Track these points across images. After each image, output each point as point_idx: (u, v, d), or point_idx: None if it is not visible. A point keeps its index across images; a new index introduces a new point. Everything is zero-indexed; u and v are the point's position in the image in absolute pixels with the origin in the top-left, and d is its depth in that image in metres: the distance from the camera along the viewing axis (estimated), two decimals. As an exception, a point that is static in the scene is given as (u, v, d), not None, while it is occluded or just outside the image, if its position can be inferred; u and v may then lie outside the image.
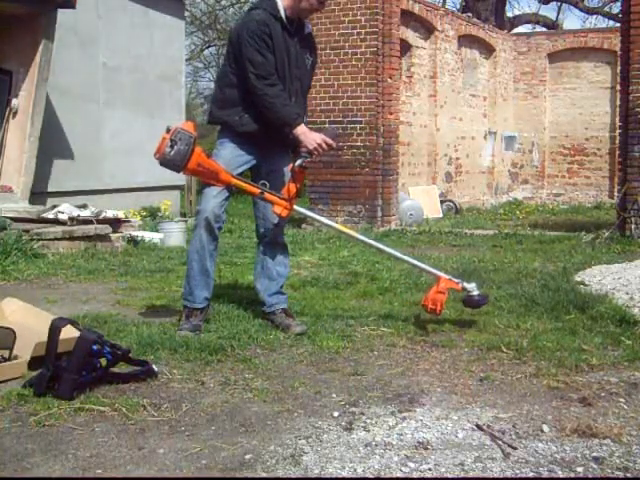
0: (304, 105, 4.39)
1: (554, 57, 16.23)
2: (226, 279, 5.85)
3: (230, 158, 4.15)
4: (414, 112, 13.00)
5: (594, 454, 2.46)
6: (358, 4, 10.41)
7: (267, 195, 4.02)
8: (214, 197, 4.11)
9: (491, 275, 5.95)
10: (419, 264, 4.48)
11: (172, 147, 3.78)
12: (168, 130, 3.82)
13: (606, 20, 25.98)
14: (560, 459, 2.43)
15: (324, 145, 3.97)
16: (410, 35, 12.67)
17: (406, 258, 4.51)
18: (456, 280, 4.25)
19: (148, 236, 8.25)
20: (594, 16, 26.90)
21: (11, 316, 3.81)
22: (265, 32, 4.04)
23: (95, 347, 3.11)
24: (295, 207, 4.10)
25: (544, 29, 23.62)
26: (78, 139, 9.93)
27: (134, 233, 8.19)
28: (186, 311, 4.18)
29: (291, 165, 4.07)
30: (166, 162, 3.84)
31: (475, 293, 4.24)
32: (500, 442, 2.54)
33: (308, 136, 4.02)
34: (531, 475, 2.32)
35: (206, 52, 34.44)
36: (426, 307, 4.16)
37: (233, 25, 4.18)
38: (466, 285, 4.24)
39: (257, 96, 4.04)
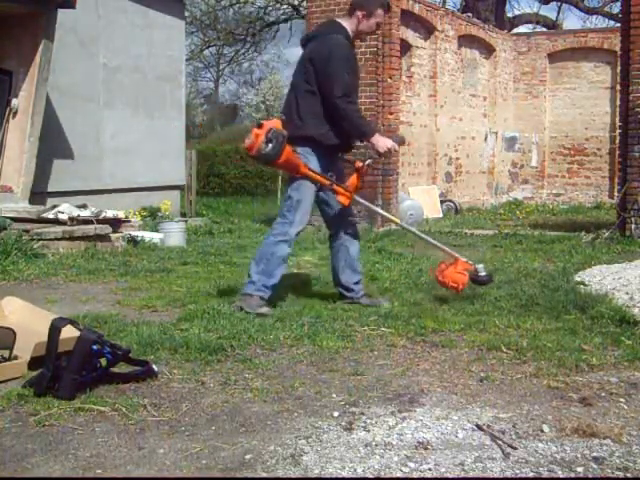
0: None
1: (554, 57, 16.22)
2: (226, 279, 5.86)
3: (316, 167, 4.66)
4: (414, 112, 13.00)
5: (594, 454, 2.46)
6: (358, 4, 10.39)
7: (335, 186, 4.64)
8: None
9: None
10: (439, 244, 5.17)
11: (267, 144, 4.31)
12: (259, 125, 4.37)
13: (606, 20, 25.98)
14: (560, 459, 2.43)
15: (392, 150, 4.67)
16: (410, 35, 12.67)
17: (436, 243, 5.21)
18: (470, 262, 4.87)
19: (148, 236, 8.25)
20: (594, 16, 26.89)
21: (11, 315, 3.81)
22: (350, 57, 4.69)
23: (95, 347, 3.11)
24: (355, 197, 4.72)
25: (544, 29, 23.62)
26: (78, 139, 9.93)
27: (134, 233, 8.20)
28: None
29: (360, 163, 4.76)
30: (261, 157, 4.40)
31: (483, 273, 4.84)
32: (500, 442, 2.55)
33: (380, 141, 4.65)
34: (531, 475, 2.32)
35: (206, 52, 34.46)
36: (445, 284, 4.81)
37: (313, 48, 4.67)
38: (477, 266, 4.87)
39: (341, 111, 4.55)
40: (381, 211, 5.73)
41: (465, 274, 4.77)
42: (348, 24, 4.75)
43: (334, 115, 4.58)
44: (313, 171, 4.61)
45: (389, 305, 4.76)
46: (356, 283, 4.88)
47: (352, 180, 4.70)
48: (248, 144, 4.38)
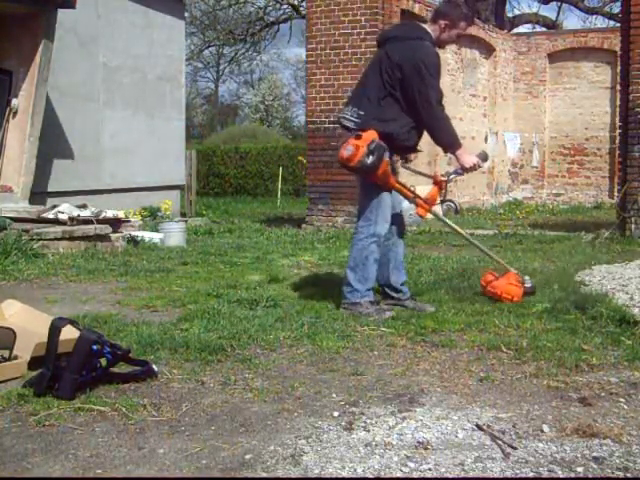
0: None
1: (554, 57, 16.23)
2: (226, 279, 5.86)
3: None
4: (414, 112, 13.00)
5: (594, 454, 2.46)
6: (358, 4, 10.40)
7: (418, 199, 4.71)
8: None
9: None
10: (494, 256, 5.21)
11: (369, 156, 4.37)
12: (357, 137, 4.40)
13: (606, 20, 26.01)
14: (560, 459, 2.43)
15: (477, 166, 4.63)
16: (410, 35, 12.67)
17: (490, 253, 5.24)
18: (519, 273, 4.96)
19: (148, 236, 8.25)
20: (594, 16, 26.93)
21: (11, 318, 3.80)
22: (439, 64, 4.61)
23: (95, 347, 3.11)
24: (433, 210, 4.80)
25: (544, 29, 23.63)
26: (78, 139, 9.93)
27: (134, 233, 8.20)
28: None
29: (441, 177, 4.76)
30: (363, 168, 4.44)
31: (529, 284, 4.90)
32: (500, 442, 2.54)
33: (466, 157, 4.64)
34: (531, 475, 2.32)
35: (206, 52, 34.49)
36: (495, 294, 4.82)
37: (401, 53, 4.61)
38: (525, 278, 4.94)
39: (436, 120, 4.57)
40: (451, 224, 5.19)
41: (520, 287, 4.83)
42: (432, 30, 4.68)
43: (426, 123, 4.58)
44: (401, 183, 4.68)
45: (433, 310, 4.65)
46: (403, 284, 4.88)
47: (432, 193, 4.75)
48: (347, 155, 4.40)
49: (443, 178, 4.77)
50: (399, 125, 4.56)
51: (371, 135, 4.41)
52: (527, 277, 4.97)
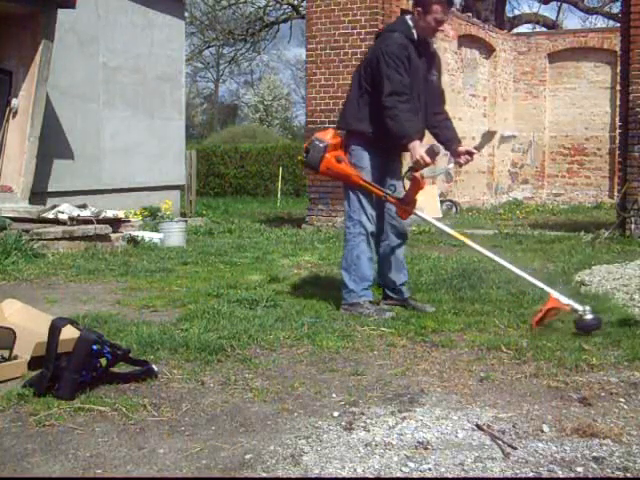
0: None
1: (554, 57, 16.23)
2: (226, 279, 5.86)
3: (368, 166, 4.63)
4: (414, 112, 13.00)
5: (594, 454, 2.46)
6: (358, 4, 10.40)
7: (389, 198, 4.59)
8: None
9: (491, 275, 5.94)
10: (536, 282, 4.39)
11: (307, 153, 4.56)
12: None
13: (606, 20, 26.02)
14: (560, 459, 2.43)
15: (421, 161, 4.37)
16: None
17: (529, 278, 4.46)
18: (565, 301, 4.10)
19: (148, 236, 8.25)
20: (594, 16, 26.93)
21: (11, 317, 3.80)
22: (404, 55, 4.46)
23: (95, 347, 3.11)
24: (415, 211, 4.59)
25: (544, 29, 23.63)
26: (78, 139, 9.93)
27: (134, 233, 8.20)
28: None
29: (417, 174, 4.52)
30: (306, 165, 4.69)
31: (589, 316, 4.01)
32: (500, 442, 2.54)
33: (414, 151, 4.42)
34: (531, 475, 2.32)
35: (206, 52, 34.49)
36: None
37: (372, 47, 4.67)
38: (577, 306, 4.05)
39: (388, 109, 4.42)
40: (444, 227, 4.94)
41: (542, 310, 4.13)
42: (410, 20, 4.59)
43: (383, 114, 4.47)
44: (367, 182, 4.58)
45: (433, 310, 4.62)
46: (402, 284, 4.84)
47: (409, 193, 4.55)
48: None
49: (419, 176, 4.48)
50: (374, 123, 4.52)
51: (319, 134, 4.56)
52: (588, 307, 4.05)
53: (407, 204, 4.56)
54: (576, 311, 4.05)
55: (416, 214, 4.64)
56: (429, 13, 4.49)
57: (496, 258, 4.61)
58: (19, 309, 3.90)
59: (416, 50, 4.56)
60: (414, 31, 4.56)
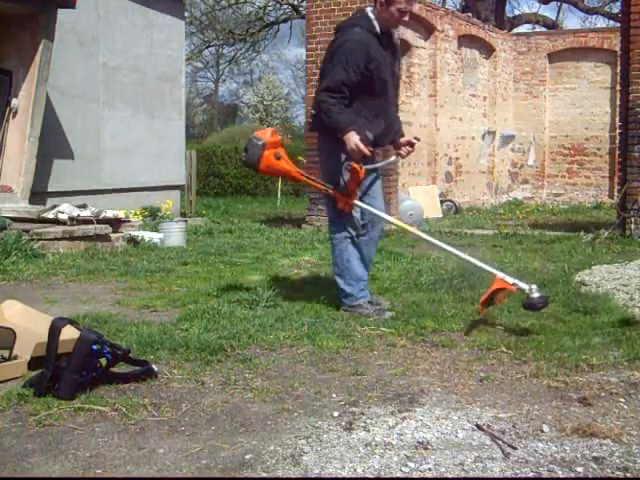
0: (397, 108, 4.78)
1: (554, 57, 16.23)
2: (226, 279, 5.86)
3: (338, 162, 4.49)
4: (414, 112, 13.00)
5: (594, 454, 2.46)
6: (358, 4, 10.39)
7: (331, 192, 4.51)
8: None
9: (491, 275, 5.94)
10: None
11: (246, 151, 4.47)
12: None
13: (606, 20, 26.02)
14: (560, 459, 2.43)
15: (355, 149, 4.30)
16: (410, 35, 12.67)
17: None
18: (511, 281, 4.11)
19: (148, 236, 8.25)
20: (594, 16, 26.93)
21: (11, 318, 3.80)
22: (362, 53, 4.34)
23: (95, 347, 3.11)
24: (356, 202, 4.48)
25: (544, 29, 23.62)
26: (78, 139, 9.93)
27: (134, 233, 8.20)
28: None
29: (355, 166, 4.40)
30: (245, 164, 4.60)
31: (536, 295, 4.04)
32: (500, 442, 2.54)
33: (348, 140, 4.33)
34: (531, 475, 2.32)
35: (206, 52, 34.49)
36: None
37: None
38: (523, 285, 4.08)
39: (319, 102, 4.41)
40: (392, 219, 4.95)
41: (488, 292, 4.15)
42: (372, 13, 4.47)
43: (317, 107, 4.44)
44: (308, 177, 4.57)
45: (388, 304, 4.74)
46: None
47: (349, 184, 4.44)
48: None
49: (357, 166, 4.36)
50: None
51: (262, 132, 4.53)
52: (534, 286, 4.11)
53: (348, 196, 4.46)
54: (523, 290, 4.07)
55: (358, 205, 4.52)
56: (392, 4, 4.39)
57: (444, 246, 4.53)
58: (19, 310, 3.90)
59: (380, 43, 4.44)
60: (376, 23, 4.43)
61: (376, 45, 4.42)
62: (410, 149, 4.68)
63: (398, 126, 4.74)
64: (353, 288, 4.60)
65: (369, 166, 4.49)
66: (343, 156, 4.46)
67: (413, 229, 4.84)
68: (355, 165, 4.36)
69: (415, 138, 4.77)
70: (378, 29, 4.44)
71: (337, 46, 4.43)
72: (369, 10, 4.51)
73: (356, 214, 4.56)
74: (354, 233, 4.60)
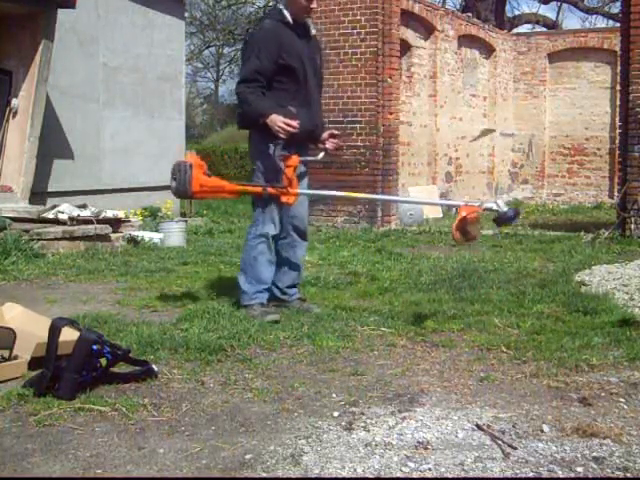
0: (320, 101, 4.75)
1: (554, 57, 16.22)
2: (226, 279, 5.85)
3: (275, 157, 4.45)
4: (414, 112, 13.00)
5: (594, 454, 2.46)
6: (358, 4, 10.40)
7: (270, 190, 4.37)
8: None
9: (491, 275, 5.95)
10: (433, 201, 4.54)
11: (174, 180, 4.29)
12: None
13: (606, 20, 26.01)
14: (560, 459, 2.43)
15: (285, 127, 4.20)
16: (410, 35, 12.67)
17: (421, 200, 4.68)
18: (476, 204, 4.17)
19: (148, 236, 8.25)
20: (594, 16, 26.92)
21: (11, 321, 3.80)
22: (273, 41, 4.37)
23: (95, 347, 3.11)
24: (298, 190, 4.41)
25: (544, 29, 23.62)
26: (78, 139, 9.92)
27: (134, 233, 8.19)
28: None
29: (292, 156, 4.38)
30: (177, 194, 4.44)
31: (505, 209, 4.05)
32: (500, 442, 2.55)
33: (272, 122, 4.25)
34: (531, 475, 2.32)
35: (206, 52, 34.47)
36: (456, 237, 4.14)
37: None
38: (489, 205, 4.12)
39: (238, 94, 4.42)
40: (338, 193, 5.10)
41: (457, 219, 4.07)
42: (284, 5, 4.51)
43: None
44: (242, 185, 4.54)
45: (319, 311, 4.58)
46: (291, 287, 4.74)
47: (286, 173, 4.36)
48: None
49: (292, 156, 4.35)
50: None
51: (183, 158, 4.45)
52: (501, 201, 4.18)
53: (289, 185, 4.39)
54: (490, 209, 4.08)
55: (302, 192, 4.49)
56: None
57: (398, 199, 4.70)
58: (19, 313, 3.89)
59: (294, 33, 4.47)
60: (286, 13, 4.46)
61: (289, 34, 4.45)
62: (334, 141, 4.64)
63: (322, 120, 4.75)
64: (251, 287, 4.53)
65: (302, 159, 4.48)
66: (272, 147, 4.39)
67: (360, 195, 5.32)
68: (286, 154, 4.34)
69: (334, 130, 4.76)
70: (290, 19, 4.46)
71: (248, 39, 4.55)
72: (281, 4, 4.60)
73: (277, 216, 4.52)
74: (271, 235, 4.54)
